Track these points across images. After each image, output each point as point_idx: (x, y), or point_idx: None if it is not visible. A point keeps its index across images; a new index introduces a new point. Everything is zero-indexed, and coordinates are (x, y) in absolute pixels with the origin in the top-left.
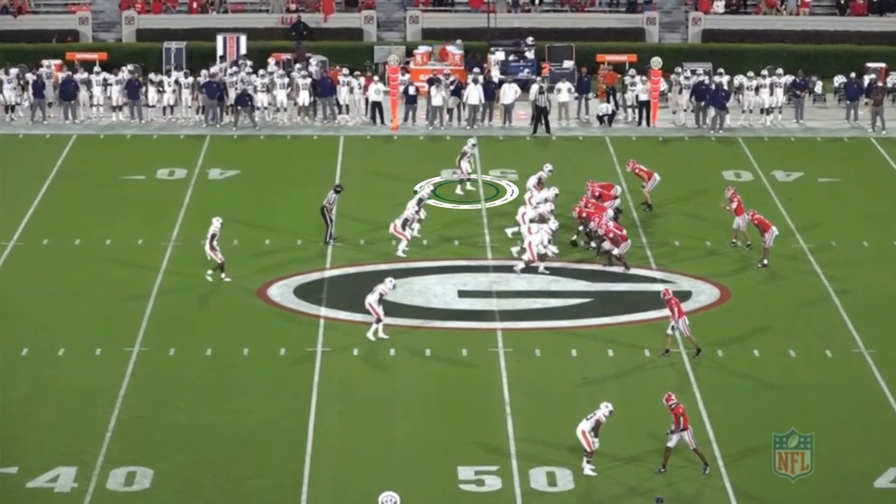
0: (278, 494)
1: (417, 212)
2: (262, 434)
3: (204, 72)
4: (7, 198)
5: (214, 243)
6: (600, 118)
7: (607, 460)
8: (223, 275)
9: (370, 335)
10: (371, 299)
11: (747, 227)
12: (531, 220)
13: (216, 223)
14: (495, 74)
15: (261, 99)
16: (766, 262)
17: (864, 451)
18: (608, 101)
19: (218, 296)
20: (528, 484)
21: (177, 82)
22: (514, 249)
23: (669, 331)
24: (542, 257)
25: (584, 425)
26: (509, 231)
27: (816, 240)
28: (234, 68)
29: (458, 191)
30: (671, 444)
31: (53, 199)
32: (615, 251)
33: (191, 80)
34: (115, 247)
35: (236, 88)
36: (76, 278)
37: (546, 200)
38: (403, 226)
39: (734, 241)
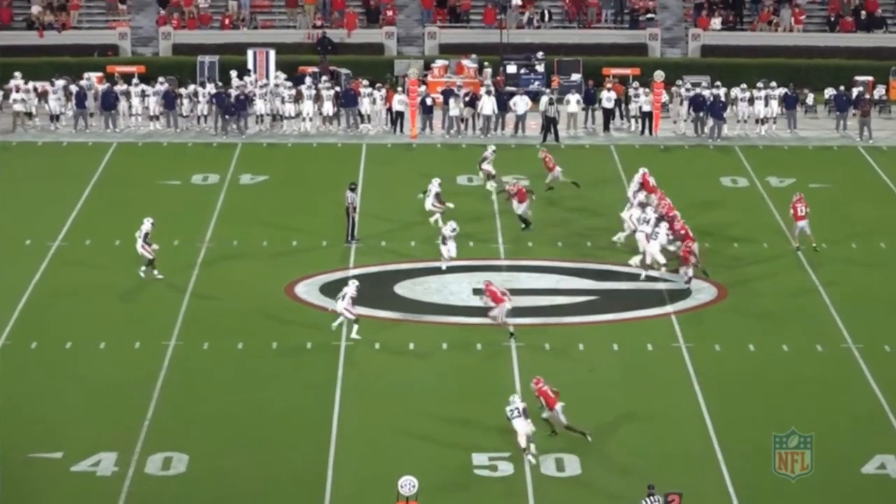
0: (305, 476)
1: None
2: (289, 421)
3: (214, 85)
4: (53, 201)
5: (146, 241)
6: (605, 111)
7: (612, 446)
8: (155, 271)
9: (355, 335)
10: (344, 305)
11: (800, 232)
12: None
13: (147, 223)
14: (488, 86)
15: (288, 109)
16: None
17: (852, 440)
18: (616, 108)
19: (248, 293)
20: (539, 469)
21: (209, 93)
22: (635, 260)
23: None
24: (651, 266)
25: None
26: (621, 237)
27: (807, 241)
28: (265, 80)
29: (489, 187)
30: (545, 415)
31: (95, 202)
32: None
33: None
34: None
35: (265, 100)
36: (116, 276)
37: (643, 206)
38: (439, 201)
39: (797, 245)
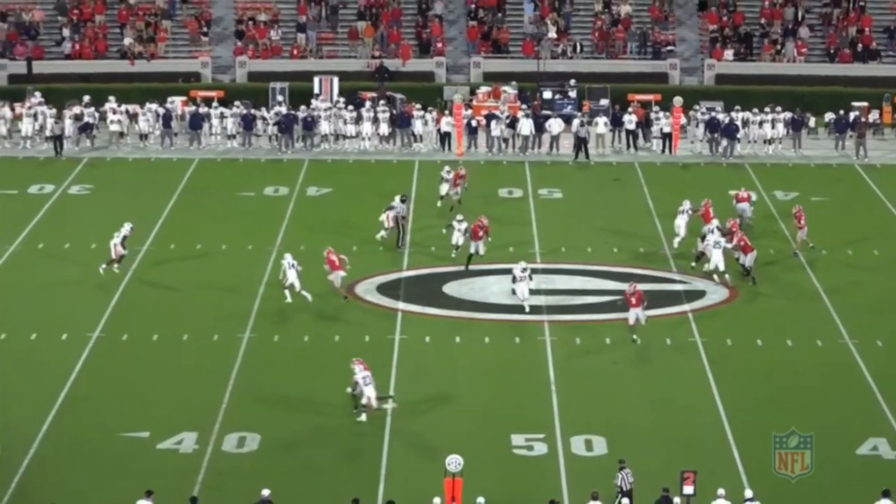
0: (364, 452)
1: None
2: (349, 406)
3: (278, 109)
4: (141, 210)
5: (122, 241)
6: (627, 132)
7: (635, 430)
8: (115, 266)
9: (303, 295)
10: (290, 278)
11: (806, 237)
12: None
13: (127, 227)
14: (525, 110)
15: (349, 129)
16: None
17: (848, 425)
18: (637, 129)
19: (313, 292)
20: (570, 449)
21: (277, 114)
22: (700, 262)
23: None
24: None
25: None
26: (674, 243)
27: (809, 248)
28: (328, 104)
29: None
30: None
31: (179, 211)
32: (747, 262)
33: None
34: (229, 251)
35: (330, 121)
36: (197, 276)
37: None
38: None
39: (797, 251)
